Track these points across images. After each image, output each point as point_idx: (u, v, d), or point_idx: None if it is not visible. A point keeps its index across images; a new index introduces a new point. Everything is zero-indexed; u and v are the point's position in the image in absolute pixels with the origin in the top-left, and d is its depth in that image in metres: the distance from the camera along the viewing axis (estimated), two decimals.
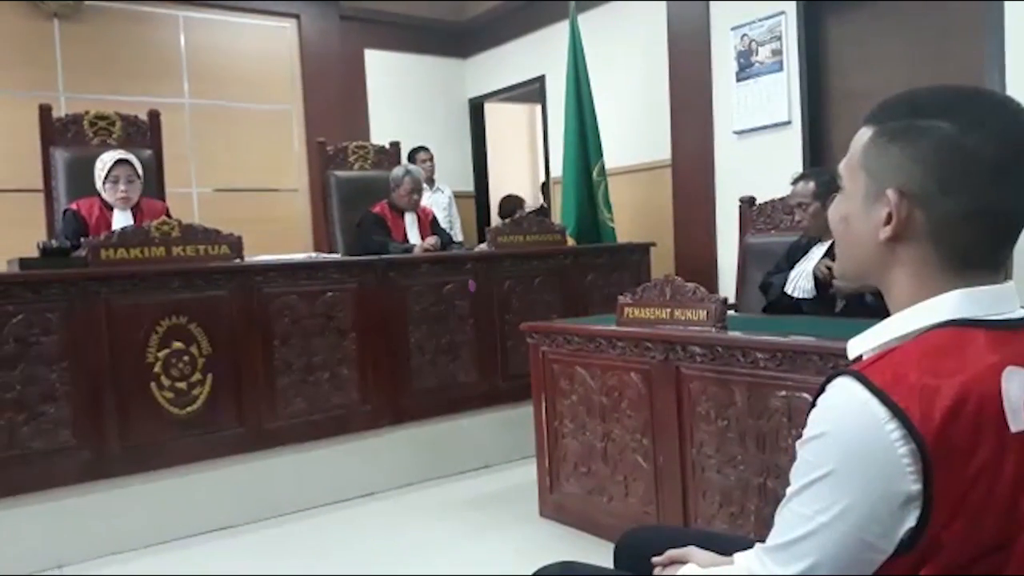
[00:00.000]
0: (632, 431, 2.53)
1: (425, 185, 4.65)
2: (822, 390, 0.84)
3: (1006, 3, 3.35)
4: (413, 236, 4.19)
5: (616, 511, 2.58)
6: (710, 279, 4.50)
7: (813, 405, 0.84)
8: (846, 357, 0.94)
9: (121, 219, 3.35)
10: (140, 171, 3.46)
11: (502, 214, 6.17)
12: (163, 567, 2.65)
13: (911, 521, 0.76)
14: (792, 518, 0.83)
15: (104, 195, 3.38)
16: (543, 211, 6.34)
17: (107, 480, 2.77)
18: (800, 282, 2.79)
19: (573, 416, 2.75)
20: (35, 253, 2.82)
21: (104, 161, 3.39)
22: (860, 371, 0.81)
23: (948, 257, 0.85)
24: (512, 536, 2.75)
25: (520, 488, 3.09)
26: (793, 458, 0.85)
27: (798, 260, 2.94)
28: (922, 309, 0.85)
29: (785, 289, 2.84)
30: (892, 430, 0.76)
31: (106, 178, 3.36)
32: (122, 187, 3.36)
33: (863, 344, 0.90)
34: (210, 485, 2.95)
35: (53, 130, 3.73)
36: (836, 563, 0.80)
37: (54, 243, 2.96)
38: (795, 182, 3.02)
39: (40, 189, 3.73)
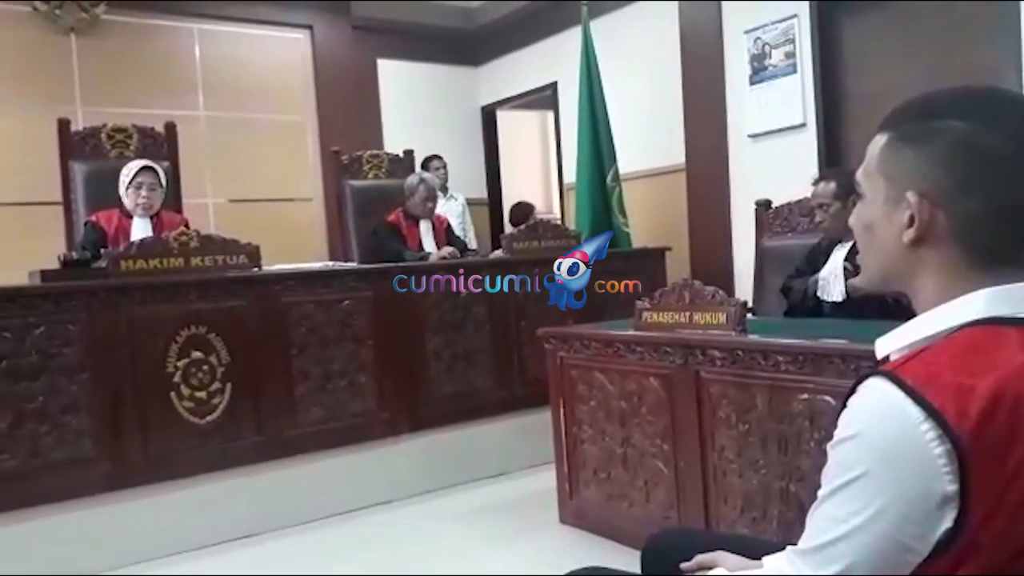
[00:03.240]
0: (652, 436, 2.52)
1: (439, 193, 4.66)
2: (853, 390, 0.83)
3: (1022, 3, 3.33)
4: (428, 244, 4.20)
5: (637, 516, 2.57)
6: (726, 283, 4.48)
7: (844, 406, 0.83)
8: (868, 359, 0.93)
9: (140, 227, 3.38)
10: (164, 180, 3.51)
11: (513, 221, 6.19)
12: None
13: (948, 522, 0.75)
14: (825, 521, 0.82)
15: (125, 200, 3.42)
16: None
17: (128, 490, 2.78)
18: (832, 286, 2.80)
19: (592, 421, 2.74)
20: (55, 265, 2.84)
21: (130, 168, 3.45)
22: (892, 371, 0.80)
23: (974, 256, 0.84)
24: (533, 543, 2.74)
25: (539, 495, 3.08)
26: (816, 461, 0.84)
27: (819, 263, 2.92)
28: (951, 308, 0.84)
29: (819, 295, 2.83)
30: (927, 430, 0.75)
31: (130, 183, 3.40)
32: (144, 193, 3.40)
33: (891, 344, 0.90)
34: (230, 494, 2.96)
35: (71, 143, 3.76)
36: (871, 565, 0.78)
37: (74, 255, 2.99)
38: (816, 183, 3.01)
39: (59, 202, 3.77)
